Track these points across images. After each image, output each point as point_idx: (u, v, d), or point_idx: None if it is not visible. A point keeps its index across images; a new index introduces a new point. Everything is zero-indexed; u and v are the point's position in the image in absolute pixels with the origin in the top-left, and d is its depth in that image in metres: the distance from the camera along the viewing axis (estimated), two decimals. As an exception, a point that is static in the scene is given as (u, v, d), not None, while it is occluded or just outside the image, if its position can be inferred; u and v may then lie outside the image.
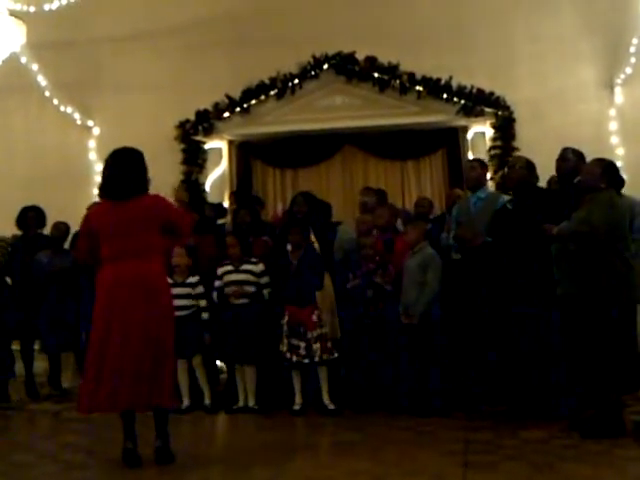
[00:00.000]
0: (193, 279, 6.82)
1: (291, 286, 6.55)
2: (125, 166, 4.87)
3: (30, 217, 8.06)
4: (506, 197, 6.48)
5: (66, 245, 8.02)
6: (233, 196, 8.57)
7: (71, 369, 7.96)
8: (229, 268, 6.79)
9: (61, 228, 7.99)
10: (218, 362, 7.38)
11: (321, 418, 6.27)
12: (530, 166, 6.10)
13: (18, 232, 7.99)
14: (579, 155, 6.02)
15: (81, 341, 7.40)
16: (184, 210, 5.13)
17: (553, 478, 4.29)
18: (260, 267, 6.80)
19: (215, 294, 6.81)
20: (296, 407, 6.48)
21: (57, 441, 5.71)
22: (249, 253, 6.90)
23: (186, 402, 6.70)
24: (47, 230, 8.19)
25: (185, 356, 6.59)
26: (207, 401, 6.77)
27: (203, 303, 6.80)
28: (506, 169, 6.80)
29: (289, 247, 6.81)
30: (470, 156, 9.72)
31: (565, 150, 6.13)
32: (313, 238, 6.94)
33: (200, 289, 6.82)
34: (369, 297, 6.54)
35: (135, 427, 4.76)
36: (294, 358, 6.40)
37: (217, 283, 6.81)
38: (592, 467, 4.43)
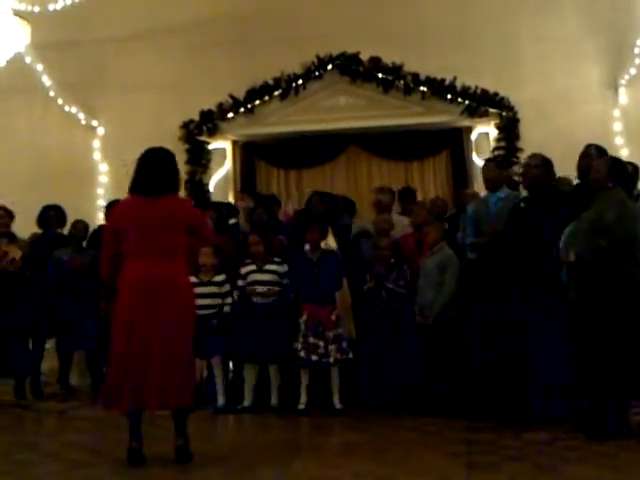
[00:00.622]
0: (219, 278, 6.82)
1: (311, 285, 6.54)
2: (160, 164, 4.92)
3: (51, 216, 8.10)
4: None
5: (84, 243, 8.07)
6: (244, 194, 8.48)
7: (78, 368, 7.97)
8: (253, 268, 6.76)
9: (80, 227, 8.02)
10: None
11: (326, 418, 6.28)
12: (547, 164, 6.00)
13: (25, 231, 8.00)
14: (602, 152, 5.92)
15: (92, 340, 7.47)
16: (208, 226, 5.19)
17: (557, 479, 4.29)
18: (284, 268, 6.78)
19: (236, 293, 6.80)
20: (301, 406, 6.48)
21: (62, 440, 5.69)
22: (271, 252, 6.88)
23: (221, 401, 6.69)
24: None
25: (206, 356, 6.58)
26: (220, 402, 6.72)
27: (229, 301, 6.81)
28: (521, 167, 6.71)
29: (307, 246, 6.80)
30: (475, 157, 9.73)
31: (588, 147, 6.04)
32: (331, 238, 6.92)
33: (227, 287, 6.83)
34: (384, 299, 6.54)
35: (141, 427, 4.77)
36: (314, 357, 6.38)
37: (240, 282, 6.80)
38: (596, 469, 4.42)
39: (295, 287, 6.75)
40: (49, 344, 7.91)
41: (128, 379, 4.65)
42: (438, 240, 6.48)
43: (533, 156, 6.13)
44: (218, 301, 6.75)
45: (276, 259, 6.82)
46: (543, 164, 5.99)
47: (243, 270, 6.80)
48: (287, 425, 6.21)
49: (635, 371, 5.08)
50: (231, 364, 7.09)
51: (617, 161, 5.43)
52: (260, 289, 6.67)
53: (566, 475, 4.35)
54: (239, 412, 6.63)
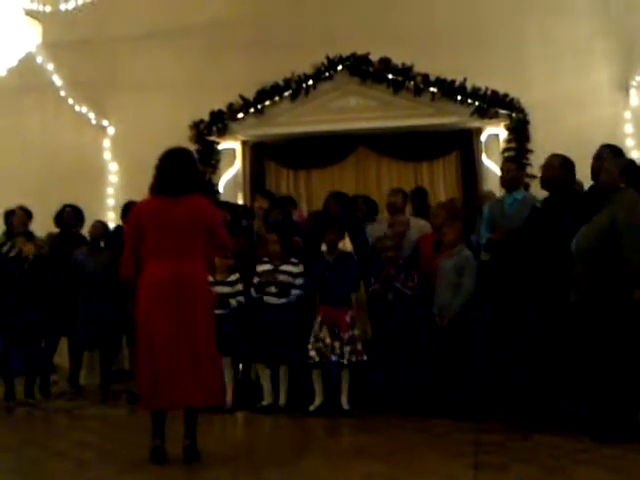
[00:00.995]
0: (234, 277, 6.84)
1: (328, 286, 6.55)
2: (181, 164, 4.94)
3: (67, 214, 8.13)
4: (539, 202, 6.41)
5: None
6: (261, 195, 8.47)
7: (86, 367, 7.98)
8: (269, 267, 6.79)
9: (98, 227, 8.04)
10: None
11: (334, 419, 6.27)
12: (567, 165, 5.88)
13: (36, 230, 8.02)
14: (616, 152, 5.82)
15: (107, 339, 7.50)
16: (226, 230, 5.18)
17: (565, 482, 4.28)
18: (299, 268, 6.79)
19: (253, 290, 6.81)
20: (312, 408, 6.47)
21: (70, 439, 5.70)
22: (289, 252, 6.89)
23: (229, 401, 6.66)
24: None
25: (229, 354, 6.58)
26: (229, 401, 6.74)
27: (241, 300, 6.83)
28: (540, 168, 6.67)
29: (324, 247, 6.81)
30: (484, 158, 9.71)
31: (601, 148, 5.93)
32: (347, 240, 6.93)
33: (239, 287, 6.85)
34: (390, 300, 6.53)
35: (165, 425, 4.78)
36: (333, 357, 6.37)
37: (256, 280, 6.81)
38: (605, 471, 4.40)
39: (310, 288, 6.74)
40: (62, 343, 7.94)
41: (160, 379, 4.69)
42: (458, 241, 6.46)
43: (554, 157, 6.00)
44: (232, 300, 6.78)
45: (292, 260, 6.83)
46: (563, 165, 5.89)
47: (259, 268, 6.82)
48: (296, 426, 6.20)
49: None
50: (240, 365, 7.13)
51: (630, 162, 5.38)
52: (273, 289, 6.69)
53: (574, 477, 4.34)
54: (258, 411, 6.62)
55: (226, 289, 6.76)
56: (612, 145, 5.97)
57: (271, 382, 6.71)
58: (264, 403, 6.68)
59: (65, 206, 8.23)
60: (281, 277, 6.73)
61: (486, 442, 5.22)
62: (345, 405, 6.42)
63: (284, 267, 6.77)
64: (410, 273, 6.61)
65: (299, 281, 6.76)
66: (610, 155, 5.74)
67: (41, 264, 7.42)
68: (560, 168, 5.87)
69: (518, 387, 5.93)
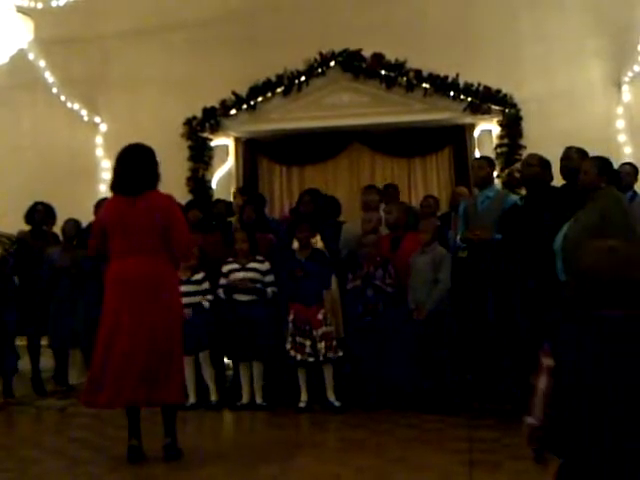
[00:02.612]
0: (199, 276, 6.82)
1: (299, 285, 6.55)
2: (135, 162, 4.91)
3: (39, 212, 8.08)
4: (514, 196, 6.50)
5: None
6: (238, 193, 8.56)
7: (78, 365, 7.97)
8: (235, 266, 6.79)
9: (71, 225, 8.00)
10: (225, 359, 7.37)
11: (326, 415, 6.28)
12: (544, 164, 6.05)
13: (25, 228, 8.00)
14: (583, 154, 5.96)
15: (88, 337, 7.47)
16: (187, 229, 5.11)
17: (559, 477, 4.28)
18: (266, 265, 6.79)
19: (221, 291, 6.81)
20: (301, 404, 6.50)
21: (63, 437, 5.73)
22: (256, 250, 6.89)
23: (192, 399, 6.68)
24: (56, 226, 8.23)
25: (191, 353, 6.57)
26: (213, 398, 6.77)
27: (209, 297, 6.82)
28: (517, 166, 6.78)
29: (295, 245, 6.81)
30: (477, 154, 9.71)
31: (568, 149, 6.10)
32: (318, 238, 6.95)
33: (206, 285, 6.83)
34: (369, 296, 6.54)
35: (140, 424, 4.77)
36: (299, 356, 6.41)
37: (222, 281, 6.81)
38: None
39: (281, 286, 6.76)
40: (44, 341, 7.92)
41: (108, 376, 4.66)
42: (434, 238, 6.53)
43: (531, 156, 6.25)
44: (197, 299, 6.75)
45: (258, 257, 6.84)
46: (540, 163, 6.06)
47: (225, 268, 6.82)
48: (287, 422, 6.21)
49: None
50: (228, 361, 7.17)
51: (605, 161, 5.45)
52: (239, 278, 6.69)
53: (568, 473, 4.34)
54: (237, 409, 6.64)
55: (191, 287, 6.73)
56: (578, 147, 6.09)
57: (249, 380, 6.72)
58: (243, 402, 6.69)
59: (36, 203, 8.14)
60: (250, 275, 6.73)
61: (480, 438, 5.23)
62: (334, 402, 6.43)
63: (251, 265, 6.76)
64: (387, 270, 6.60)
65: (269, 278, 6.76)
66: (577, 156, 5.87)
67: (6, 263, 7.38)
68: (538, 166, 6.04)
69: (511, 383, 5.95)
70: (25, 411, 6.93)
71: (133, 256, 4.77)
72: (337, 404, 6.42)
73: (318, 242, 7.02)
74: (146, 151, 5.00)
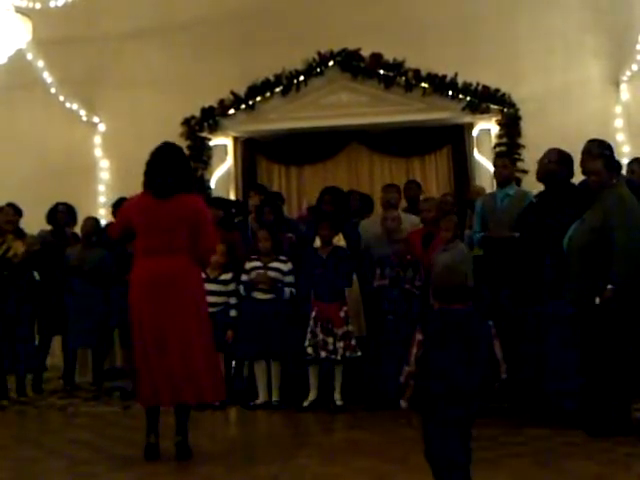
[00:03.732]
0: (226, 276, 6.82)
1: (320, 282, 6.54)
2: (171, 163, 4.90)
3: (61, 212, 8.10)
4: (533, 194, 6.44)
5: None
6: (254, 192, 8.47)
7: (78, 365, 7.97)
8: (258, 264, 6.77)
9: (90, 223, 8.02)
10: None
11: (328, 415, 6.27)
12: (562, 160, 5.86)
13: (28, 227, 8.00)
14: (605, 147, 5.76)
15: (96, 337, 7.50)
16: (214, 232, 5.13)
17: (558, 475, 4.28)
18: (288, 266, 6.77)
19: (242, 288, 6.81)
20: (306, 403, 6.48)
21: (63, 436, 5.72)
22: (279, 250, 6.89)
23: None
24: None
25: None
26: None
27: (233, 300, 6.81)
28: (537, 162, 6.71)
29: (317, 243, 6.80)
30: (476, 153, 9.72)
31: (589, 142, 5.93)
32: (341, 236, 6.92)
33: (232, 286, 6.83)
34: (394, 295, 6.51)
35: (159, 421, 4.78)
36: (323, 354, 6.36)
37: (244, 277, 6.80)
38: (597, 465, 4.42)
39: (304, 284, 6.73)
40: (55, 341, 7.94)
41: (154, 376, 4.71)
42: (455, 235, 6.45)
43: (550, 151, 6.01)
44: (223, 299, 6.76)
45: (282, 257, 6.82)
46: (558, 160, 5.89)
47: (248, 265, 6.81)
48: (289, 422, 6.21)
49: (637, 369, 5.09)
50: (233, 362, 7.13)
51: (609, 156, 5.36)
52: (259, 277, 6.68)
53: (567, 471, 4.35)
54: (251, 409, 6.61)
55: (218, 287, 6.73)
56: (599, 139, 5.97)
57: (266, 380, 6.70)
58: (258, 401, 6.67)
59: (58, 204, 8.18)
60: (271, 274, 6.73)
61: (479, 437, 5.21)
62: (338, 401, 6.43)
63: (273, 264, 6.76)
64: (418, 271, 6.58)
65: (289, 279, 6.76)
66: (598, 151, 5.72)
67: (32, 262, 7.39)
68: (556, 162, 5.88)
69: (511, 382, 5.94)
70: (25, 411, 6.93)
71: (160, 256, 4.78)
72: (339, 403, 6.41)
73: (340, 240, 6.99)
74: (180, 153, 5.04)
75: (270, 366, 6.70)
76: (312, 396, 6.52)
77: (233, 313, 6.79)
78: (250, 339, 6.66)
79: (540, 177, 5.99)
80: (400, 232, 6.80)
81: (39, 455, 5.06)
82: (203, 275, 5.88)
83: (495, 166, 6.71)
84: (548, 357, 5.68)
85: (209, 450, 5.04)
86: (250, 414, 6.51)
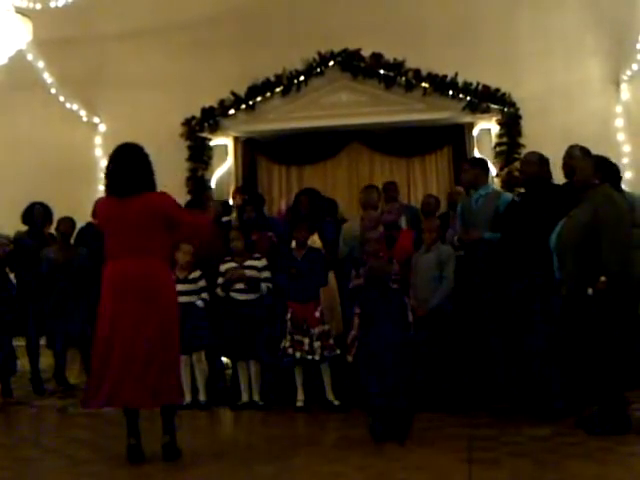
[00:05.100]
0: (195, 274, 6.83)
1: (294, 283, 6.56)
2: (130, 162, 4.87)
3: (38, 212, 8.07)
4: (508, 194, 6.59)
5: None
6: (237, 192, 8.56)
7: (76, 365, 7.97)
8: (233, 265, 6.80)
9: (66, 224, 8.00)
10: (223, 358, 7.36)
11: (325, 414, 6.28)
12: (542, 161, 6.06)
13: (22, 228, 8.01)
14: (586, 152, 6.03)
15: (86, 337, 7.48)
16: (189, 214, 5.11)
17: (558, 475, 4.28)
18: (263, 262, 6.83)
19: (219, 289, 6.82)
20: (299, 403, 6.50)
21: (62, 436, 5.73)
22: (252, 249, 6.92)
23: (187, 398, 6.62)
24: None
25: (186, 352, 6.48)
26: (202, 398, 6.73)
27: (204, 296, 6.82)
28: (517, 164, 6.84)
29: (293, 244, 6.83)
30: (476, 153, 9.71)
31: (572, 148, 6.16)
32: (316, 237, 6.96)
33: (202, 283, 6.85)
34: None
35: (139, 423, 4.77)
36: (298, 354, 6.40)
37: (220, 280, 6.82)
38: (597, 464, 4.43)
39: (278, 284, 6.77)
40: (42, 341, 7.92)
41: (107, 378, 4.65)
42: (436, 237, 6.54)
43: (530, 153, 6.28)
44: (193, 298, 6.76)
45: (255, 255, 6.86)
46: (538, 161, 6.06)
47: (223, 267, 6.84)
48: (286, 421, 6.22)
49: (633, 366, 5.09)
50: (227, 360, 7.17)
51: (601, 159, 5.48)
52: (234, 274, 6.70)
53: (567, 470, 4.35)
54: (238, 409, 6.64)
55: (187, 287, 6.72)
56: (580, 145, 6.19)
57: (248, 379, 6.72)
58: (242, 401, 6.69)
59: (35, 204, 8.14)
60: (248, 272, 6.74)
61: (479, 436, 5.23)
62: (333, 401, 6.43)
63: (248, 262, 6.78)
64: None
65: (265, 274, 6.78)
66: (580, 154, 5.91)
67: (5, 263, 7.38)
68: (537, 164, 6.04)
69: (510, 381, 5.96)
70: (24, 411, 6.94)
71: (128, 257, 4.76)
72: (336, 403, 6.42)
73: (316, 241, 7.05)
74: (138, 151, 4.95)
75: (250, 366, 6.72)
76: (301, 396, 6.52)
77: (200, 303, 6.77)
78: (231, 340, 6.68)
79: (523, 179, 6.26)
80: (373, 231, 6.79)
81: (38, 455, 5.07)
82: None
83: (462, 171, 6.83)
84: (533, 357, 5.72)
85: (206, 450, 5.04)
86: (248, 415, 6.50)
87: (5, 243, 7.47)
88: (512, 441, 5.07)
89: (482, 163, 6.84)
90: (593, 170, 5.31)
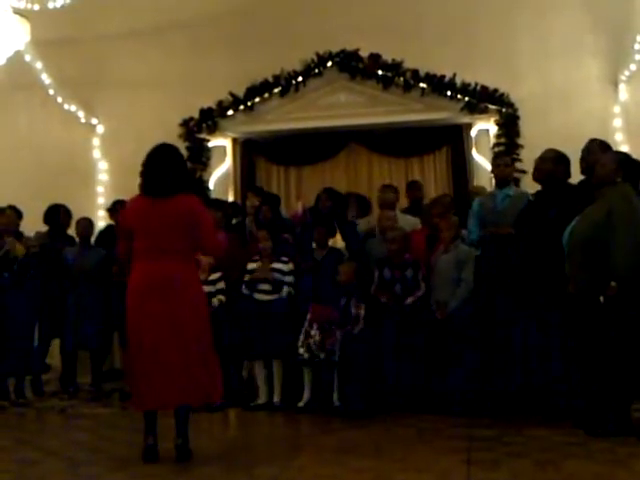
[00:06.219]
0: (214, 276, 6.81)
1: (317, 283, 6.54)
2: (166, 163, 4.87)
3: (62, 214, 8.08)
4: (530, 194, 6.46)
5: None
6: (252, 193, 8.47)
7: (77, 366, 7.94)
8: (260, 265, 6.78)
9: (86, 224, 8.00)
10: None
11: (326, 416, 6.26)
12: (558, 160, 5.92)
13: (25, 229, 7.99)
14: (605, 147, 5.84)
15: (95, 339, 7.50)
16: (214, 230, 5.13)
17: (557, 476, 4.28)
18: (289, 266, 6.78)
19: (244, 287, 6.81)
20: (301, 404, 6.48)
21: (62, 438, 5.71)
22: (279, 250, 6.89)
23: None
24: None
25: None
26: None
27: (222, 299, 6.81)
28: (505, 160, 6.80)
29: (314, 244, 6.81)
30: (474, 153, 9.72)
31: (590, 141, 5.95)
32: (339, 237, 6.91)
33: (221, 285, 6.84)
34: (398, 293, 6.46)
35: (157, 423, 4.78)
36: (322, 355, 6.34)
37: (247, 278, 6.81)
38: (597, 465, 4.42)
39: (299, 285, 6.76)
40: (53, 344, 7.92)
41: (151, 378, 4.68)
42: (455, 236, 6.44)
43: (547, 151, 6.08)
44: (213, 300, 6.73)
45: (283, 258, 6.82)
46: (554, 160, 5.94)
47: (249, 266, 6.82)
48: (287, 423, 6.22)
49: (636, 368, 5.08)
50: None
51: (626, 156, 5.38)
52: (265, 286, 6.69)
53: (567, 471, 4.35)
54: (253, 410, 6.61)
55: (208, 288, 6.70)
56: (600, 139, 6.00)
57: (266, 381, 6.70)
58: (259, 402, 6.67)
59: (59, 206, 8.15)
60: (273, 275, 6.73)
61: (478, 437, 5.23)
62: (337, 402, 6.41)
63: (275, 265, 6.76)
64: (419, 270, 6.51)
65: (289, 279, 6.76)
66: (599, 149, 5.76)
67: (31, 264, 7.38)
68: (553, 162, 5.93)
69: (511, 381, 5.96)
70: (25, 413, 6.93)
71: (158, 258, 4.75)
72: (337, 403, 6.40)
73: (338, 242, 6.98)
74: (177, 153, 5.00)
75: (272, 366, 6.70)
76: (306, 397, 6.51)
77: (215, 302, 6.75)
78: (251, 340, 6.65)
79: (537, 177, 6.02)
80: (394, 231, 6.76)
81: (38, 456, 5.05)
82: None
83: (497, 165, 6.68)
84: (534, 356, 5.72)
85: (208, 451, 5.03)
86: (249, 415, 6.50)
87: (32, 244, 7.47)
88: (512, 442, 5.07)
89: (512, 162, 6.76)
90: (615, 166, 5.19)
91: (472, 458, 4.66)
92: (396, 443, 5.22)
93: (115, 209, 7.79)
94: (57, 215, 8.11)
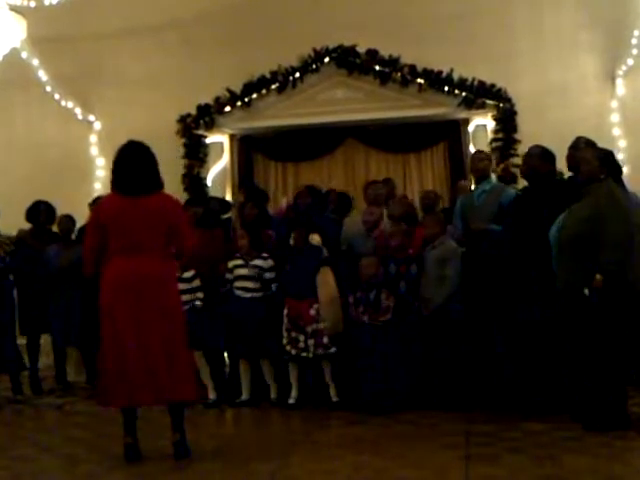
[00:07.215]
0: (188, 274, 6.78)
1: (291, 279, 6.55)
2: (140, 161, 4.85)
3: (43, 211, 8.05)
4: (512, 190, 6.46)
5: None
6: (242, 190, 8.47)
7: (74, 363, 7.94)
8: (239, 262, 6.76)
9: (67, 221, 7.97)
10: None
11: (323, 412, 6.26)
12: (545, 156, 5.94)
13: (24, 227, 7.97)
14: (590, 144, 5.89)
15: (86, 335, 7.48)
16: (192, 232, 5.11)
17: (555, 470, 4.28)
18: (269, 263, 6.75)
19: (228, 285, 6.79)
20: (291, 401, 6.47)
21: (59, 435, 5.72)
22: (259, 247, 6.87)
23: (212, 395, 6.67)
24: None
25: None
26: (211, 396, 6.71)
27: (200, 296, 6.78)
28: (512, 160, 6.80)
29: (292, 241, 6.80)
30: (472, 149, 9.71)
31: (578, 139, 6.04)
32: (317, 235, 6.89)
33: (197, 283, 6.80)
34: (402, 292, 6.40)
35: (136, 422, 4.77)
36: (293, 351, 6.39)
37: (228, 276, 6.80)
38: (594, 459, 4.43)
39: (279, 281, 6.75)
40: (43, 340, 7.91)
41: (122, 377, 4.64)
42: (438, 233, 6.39)
43: (533, 147, 6.12)
44: (189, 297, 6.67)
45: (263, 254, 6.80)
46: (541, 156, 5.97)
47: (230, 264, 6.81)
48: (284, 419, 6.21)
49: (632, 360, 5.09)
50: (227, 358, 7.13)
51: (607, 152, 5.43)
52: (247, 284, 6.68)
53: (565, 466, 4.35)
54: (237, 406, 6.62)
55: (182, 286, 6.65)
56: (586, 137, 6.07)
57: (250, 377, 6.70)
58: (242, 398, 6.67)
59: (39, 202, 8.11)
60: (251, 271, 6.70)
61: (476, 432, 5.23)
62: (334, 398, 6.41)
63: (254, 262, 6.74)
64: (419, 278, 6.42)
65: (269, 275, 6.73)
66: (585, 147, 5.82)
67: (5, 262, 7.37)
68: (539, 158, 5.95)
69: (507, 377, 5.96)
70: (22, 409, 6.93)
71: (134, 255, 4.73)
72: (335, 399, 6.40)
73: (314, 238, 6.97)
74: (146, 149, 4.94)
75: (259, 365, 6.69)
76: (294, 393, 6.51)
77: (198, 303, 6.73)
78: (235, 338, 6.66)
79: (525, 173, 6.07)
80: (394, 227, 6.72)
81: (35, 454, 5.06)
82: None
83: (472, 160, 6.69)
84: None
85: (205, 448, 5.03)
86: (246, 412, 6.50)
87: (6, 243, 7.44)
88: (509, 437, 5.08)
89: (491, 158, 6.75)
90: (599, 163, 5.23)
91: (470, 453, 4.66)
92: (394, 439, 5.21)
93: (96, 204, 7.76)
94: (38, 212, 8.06)
